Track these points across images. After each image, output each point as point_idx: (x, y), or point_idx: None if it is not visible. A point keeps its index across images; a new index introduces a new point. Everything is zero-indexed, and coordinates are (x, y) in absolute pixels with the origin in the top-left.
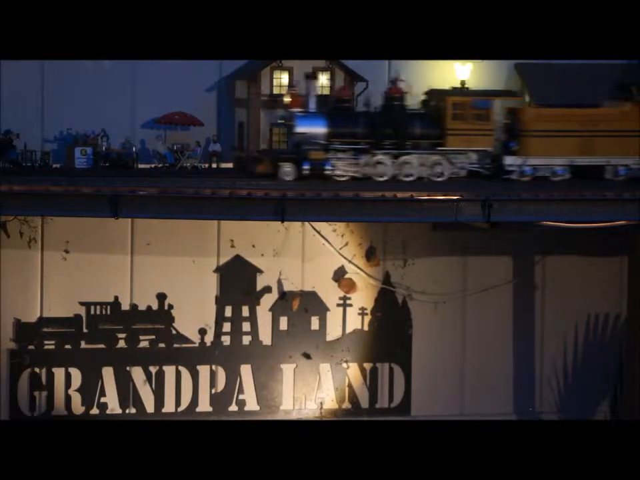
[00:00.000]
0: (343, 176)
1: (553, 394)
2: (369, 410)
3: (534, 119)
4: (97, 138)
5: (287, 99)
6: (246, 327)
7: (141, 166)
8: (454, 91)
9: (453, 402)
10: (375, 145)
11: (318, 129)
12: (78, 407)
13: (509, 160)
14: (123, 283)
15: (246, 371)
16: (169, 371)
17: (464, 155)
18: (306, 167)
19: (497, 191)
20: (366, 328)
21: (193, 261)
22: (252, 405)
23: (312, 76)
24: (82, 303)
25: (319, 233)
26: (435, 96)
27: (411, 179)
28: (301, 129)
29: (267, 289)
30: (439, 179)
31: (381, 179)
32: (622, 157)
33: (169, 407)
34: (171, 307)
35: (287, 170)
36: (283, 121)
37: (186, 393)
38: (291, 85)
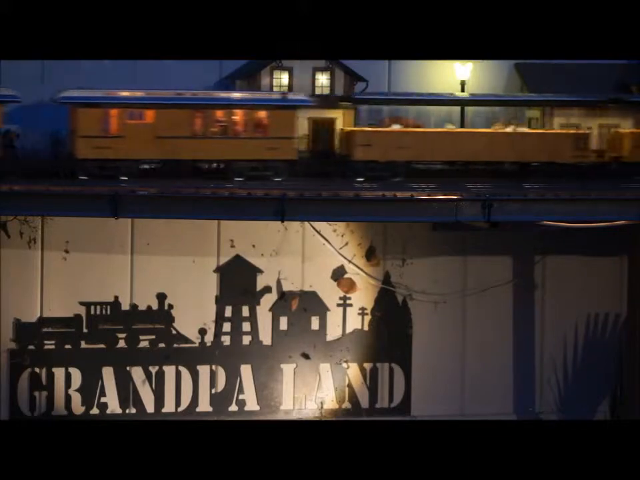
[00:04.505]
0: None
1: (553, 394)
2: (369, 410)
3: None
4: None
5: None
6: (246, 326)
7: None
8: None
9: (453, 402)
10: None
11: None
12: (78, 407)
13: None
14: (123, 283)
15: (246, 371)
16: (169, 371)
17: None
18: None
19: (497, 191)
20: (366, 328)
21: (193, 260)
22: (252, 405)
23: None
24: (82, 303)
25: (318, 232)
26: None
27: None
28: None
29: (267, 289)
30: None
31: None
32: None
33: (168, 407)
34: (170, 307)
35: None
36: None
37: (186, 392)
38: None
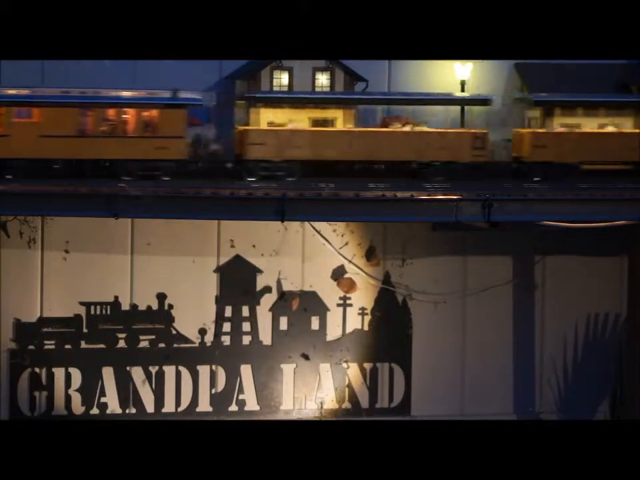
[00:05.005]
0: None
1: (553, 394)
2: (369, 410)
3: None
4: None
5: None
6: (246, 326)
7: None
8: None
9: (452, 402)
10: None
11: None
12: (78, 407)
13: None
14: (122, 283)
15: (246, 371)
16: (169, 371)
17: None
18: None
19: (497, 191)
20: (366, 328)
21: (193, 260)
22: (252, 405)
23: None
24: (82, 303)
25: (319, 232)
26: None
27: None
28: None
29: (267, 289)
30: None
31: None
32: None
33: (169, 407)
34: (171, 307)
35: None
36: None
37: (186, 392)
38: None
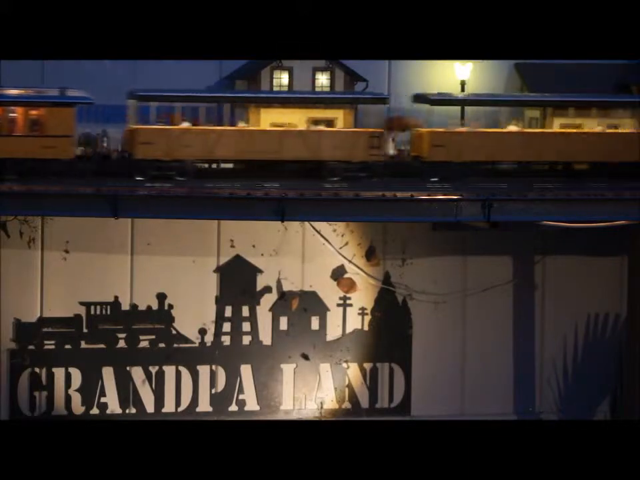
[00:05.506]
0: None
1: (553, 394)
2: (369, 410)
3: None
4: (97, 138)
5: None
6: (246, 326)
7: None
8: None
9: (453, 402)
10: None
11: None
12: (78, 407)
13: None
14: (123, 283)
15: (246, 371)
16: (169, 370)
17: None
18: None
19: (497, 191)
20: (366, 328)
21: (193, 261)
22: (252, 405)
23: None
24: (82, 303)
25: (319, 232)
26: None
27: None
28: None
29: (267, 289)
30: None
31: None
32: None
33: (169, 407)
34: (171, 307)
35: None
36: None
37: (186, 392)
38: None
